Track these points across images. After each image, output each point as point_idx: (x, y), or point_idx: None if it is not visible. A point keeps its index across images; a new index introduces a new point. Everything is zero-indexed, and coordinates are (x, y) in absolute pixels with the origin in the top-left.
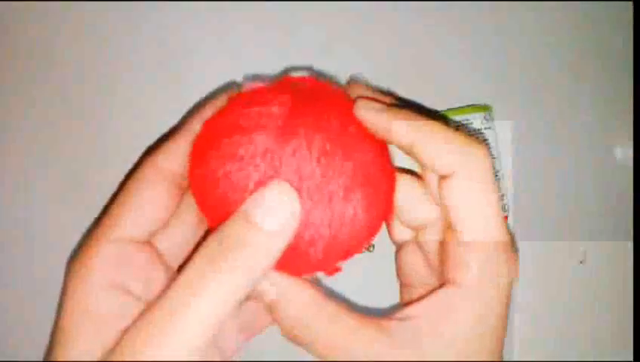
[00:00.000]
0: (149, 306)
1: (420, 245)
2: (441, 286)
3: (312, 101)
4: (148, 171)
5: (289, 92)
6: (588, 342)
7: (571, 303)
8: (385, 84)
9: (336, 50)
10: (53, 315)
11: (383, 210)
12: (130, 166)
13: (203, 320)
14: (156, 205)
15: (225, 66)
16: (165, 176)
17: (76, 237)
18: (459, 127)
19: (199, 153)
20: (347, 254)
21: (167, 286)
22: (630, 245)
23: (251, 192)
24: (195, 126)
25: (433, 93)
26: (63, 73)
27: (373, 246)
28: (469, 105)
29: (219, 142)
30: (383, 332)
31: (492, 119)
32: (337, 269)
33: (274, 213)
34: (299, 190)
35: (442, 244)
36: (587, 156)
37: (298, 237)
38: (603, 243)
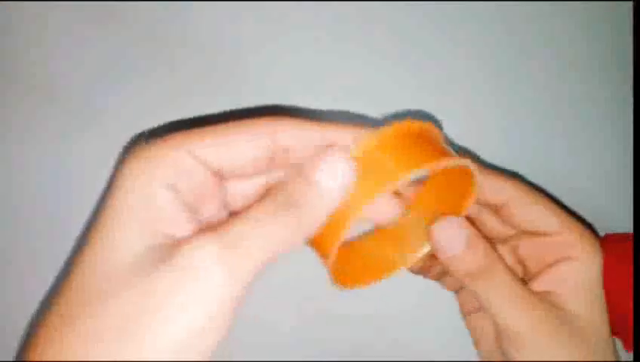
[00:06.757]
0: (205, 232)
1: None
2: None
3: None
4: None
5: None
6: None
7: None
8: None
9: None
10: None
11: None
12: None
13: (257, 259)
14: (248, 146)
15: (229, 66)
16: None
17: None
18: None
19: None
20: None
21: (227, 223)
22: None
23: None
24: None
25: (440, 99)
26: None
27: None
28: None
29: None
30: None
31: None
32: None
33: (332, 175)
34: None
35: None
36: (587, 159)
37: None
38: None
